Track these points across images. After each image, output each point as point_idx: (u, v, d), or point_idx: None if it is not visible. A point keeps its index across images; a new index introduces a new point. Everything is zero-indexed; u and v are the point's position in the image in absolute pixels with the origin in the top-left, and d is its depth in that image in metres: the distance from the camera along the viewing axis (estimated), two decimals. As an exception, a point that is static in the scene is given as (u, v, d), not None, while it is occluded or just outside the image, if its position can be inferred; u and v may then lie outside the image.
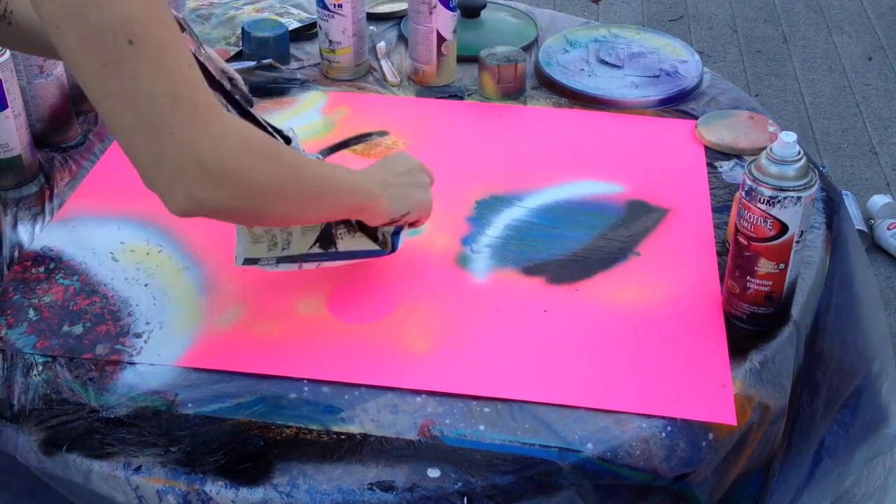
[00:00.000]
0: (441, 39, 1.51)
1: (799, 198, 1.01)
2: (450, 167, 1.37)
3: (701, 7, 3.77)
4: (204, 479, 0.93)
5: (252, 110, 1.09)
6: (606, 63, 1.59)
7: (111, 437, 0.97)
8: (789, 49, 3.50)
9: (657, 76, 1.55)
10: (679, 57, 1.60)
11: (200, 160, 0.84)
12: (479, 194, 1.31)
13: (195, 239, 1.22)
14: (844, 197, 2.58)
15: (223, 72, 1.08)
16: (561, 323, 1.11)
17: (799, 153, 1.01)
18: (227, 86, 1.07)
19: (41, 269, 1.18)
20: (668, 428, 0.98)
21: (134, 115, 0.82)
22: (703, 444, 0.98)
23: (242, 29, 1.61)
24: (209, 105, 0.85)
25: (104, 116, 0.84)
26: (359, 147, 1.41)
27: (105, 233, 1.24)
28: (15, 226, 1.25)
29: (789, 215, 1.01)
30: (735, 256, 1.07)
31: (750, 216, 1.03)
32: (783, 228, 1.02)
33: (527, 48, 1.63)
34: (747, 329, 1.09)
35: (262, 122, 1.09)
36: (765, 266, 1.05)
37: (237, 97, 1.08)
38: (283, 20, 1.67)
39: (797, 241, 1.03)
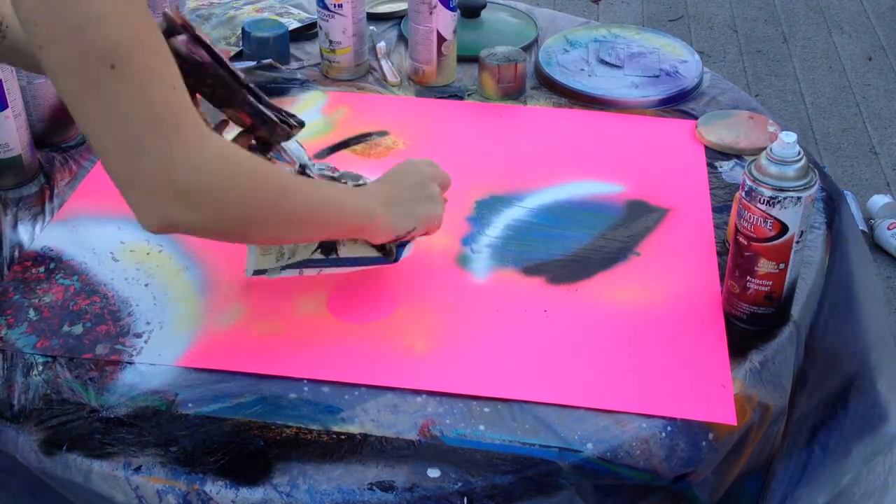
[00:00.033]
0: (441, 39, 1.51)
1: (799, 198, 1.01)
2: (450, 167, 1.36)
3: (701, 7, 3.77)
4: (204, 479, 0.93)
5: (268, 102, 1.09)
6: (606, 63, 1.59)
7: (111, 437, 0.97)
8: (789, 49, 3.50)
9: (657, 76, 1.55)
10: (679, 57, 1.60)
11: (175, 181, 0.85)
12: (479, 194, 1.31)
13: (195, 239, 1.22)
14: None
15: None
16: (561, 323, 1.11)
17: (799, 153, 1.01)
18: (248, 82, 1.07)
19: (41, 269, 1.18)
20: (668, 428, 0.98)
21: (112, 136, 0.83)
22: (703, 444, 0.98)
23: (242, 29, 1.61)
24: (191, 126, 0.85)
25: (83, 132, 0.85)
26: (359, 147, 1.41)
27: (105, 233, 1.24)
28: (15, 226, 1.25)
29: (789, 215, 1.01)
30: (735, 256, 1.07)
31: (750, 216, 1.03)
32: (783, 228, 1.02)
33: (527, 48, 1.63)
34: (747, 329, 1.09)
35: (276, 111, 1.08)
36: (765, 266, 1.05)
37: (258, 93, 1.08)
38: (283, 20, 1.67)
39: (797, 241, 1.03)
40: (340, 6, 1.51)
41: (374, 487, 0.92)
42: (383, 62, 1.61)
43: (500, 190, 1.32)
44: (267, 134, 1.08)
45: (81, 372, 1.04)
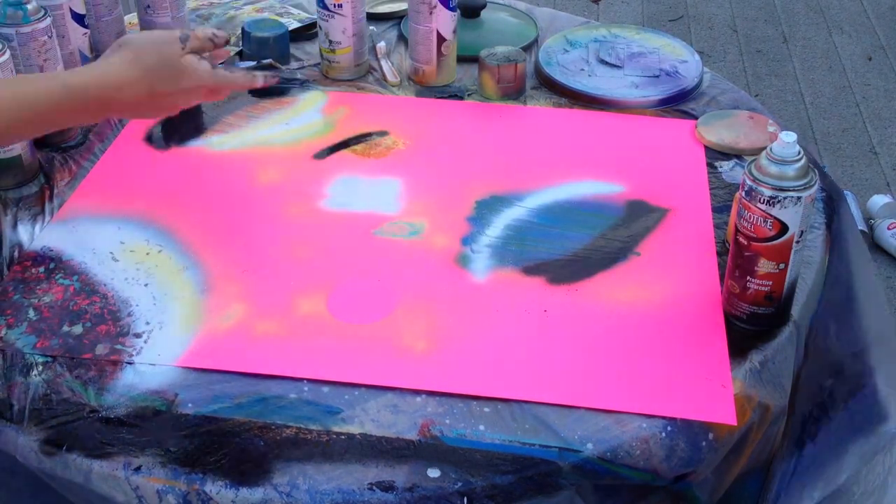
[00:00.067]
0: (441, 39, 1.51)
1: (799, 198, 1.01)
2: (450, 167, 1.37)
3: (701, 7, 3.77)
4: (204, 479, 0.93)
5: None
6: (606, 63, 1.59)
7: (111, 437, 0.97)
8: (789, 49, 3.50)
9: (657, 76, 1.55)
10: (679, 57, 1.60)
11: None
12: (479, 194, 1.31)
13: (195, 239, 1.23)
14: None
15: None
16: (561, 323, 1.11)
17: (799, 153, 1.01)
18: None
19: (41, 269, 1.18)
20: (668, 428, 0.98)
21: None
22: (703, 444, 0.98)
23: (242, 29, 1.61)
24: None
25: None
26: (359, 147, 1.41)
27: (105, 233, 1.24)
28: (15, 226, 1.25)
29: (789, 215, 1.01)
30: (735, 256, 1.07)
31: (750, 216, 1.03)
32: (783, 228, 1.02)
33: (527, 48, 1.63)
34: (747, 329, 1.09)
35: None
36: (765, 266, 1.05)
37: None
38: (283, 20, 1.67)
39: (797, 241, 1.03)
40: (340, 6, 1.51)
41: (374, 487, 0.92)
42: (383, 62, 1.61)
43: (500, 190, 1.32)
44: None
45: (81, 372, 1.04)
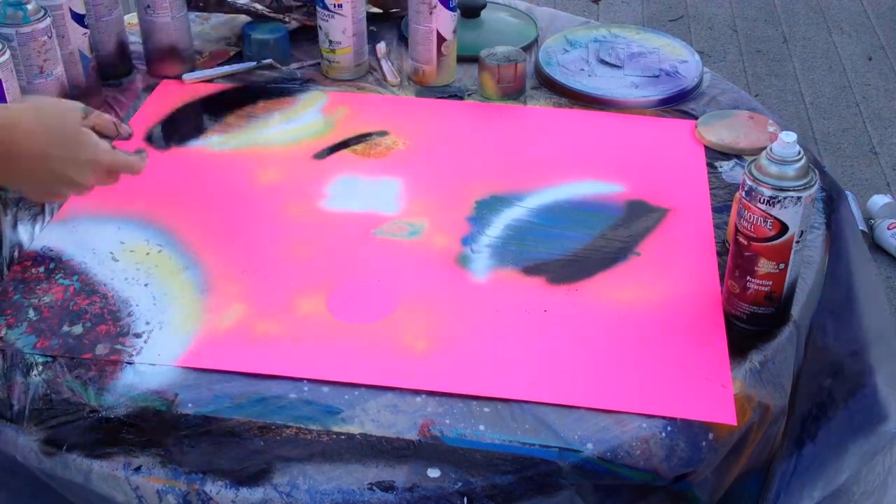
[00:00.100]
0: (441, 39, 1.51)
1: (799, 198, 1.01)
2: (450, 167, 1.37)
3: (701, 7, 3.77)
4: (204, 479, 0.93)
5: None
6: (606, 63, 1.59)
7: (111, 437, 0.97)
8: (789, 49, 3.50)
9: (657, 76, 1.55)
10: (679, 57, 1.60)
11: None
12: (479, 194, 1.31)
13: (195, 239, 1.23)
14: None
15: None
16: (561, 323, 1.11)
17: (799, 153, 1.01)
18: None
19: (41, 269, 1.18)
20: (668, 428, 0.98)
21: None
22: (703, 444, 0.98)
23: (243, 30, 1.61)
24: None
25: None
26: (359, 147, 1.41)
27: (105, 233, 1.24)
28: (15, 226, 1.25)
29: (789, 215, 1.01)
30: (735, 256, 1.07)
31: (750, 216, 1.03)
32: (783, 228, 1.02)
33: (527, 48, 1.63)
34: (747, 329, 1.09)
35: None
36: (765, 266, 1.05)
37: None
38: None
39: (797, 241, 1.03)
40: (340, 6, 1.51)
41: (374, 487, 0.92)
42: (383, 62, 1.61)
43: (500, 190, 1.32)
44: None
45: (81, 372, 1.04)
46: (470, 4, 1.69)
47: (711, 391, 1.02)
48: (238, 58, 1.61)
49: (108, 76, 1.54)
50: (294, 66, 1.60)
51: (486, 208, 1.28)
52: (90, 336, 1.08)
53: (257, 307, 1.12)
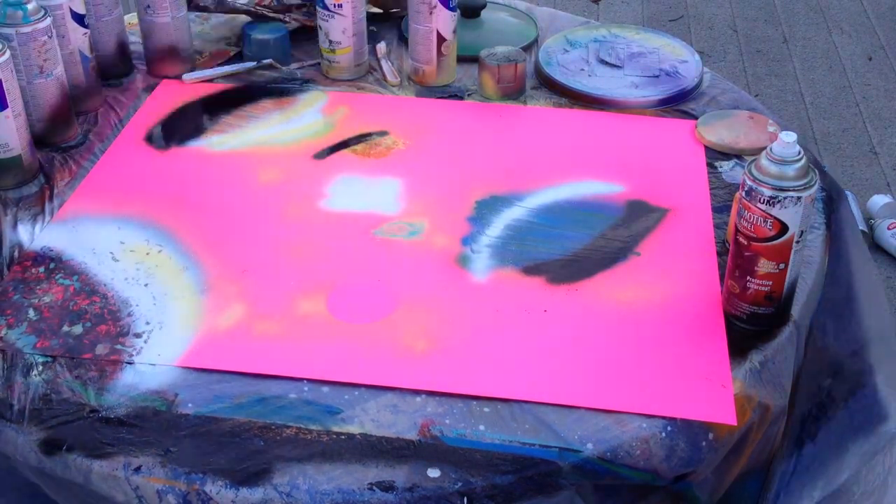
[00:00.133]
0: (441, 39, 1.51)
1: (799, 198, 1.01)
2: (450, 167, 1.37)
3: (701, 7, 3.77)
4: (204, 479, 0.93)
5: None
6: (606, 63, 1.59)
7: (111, 437, 0.97)
8: (789, 49, 3.50)
9: (657, 76, 1.55)
10: (679, 57, 1.60)
11: None
12: (479, 194, 1.31)
13: (195, 239, 1.23)
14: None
15: None
16: (561, 323, 1.11)
17: (799, 153, 1.01)
18: None
19: (41, 269, 1.18)
20: (668, 428, 0.98)
21: None
22: (703, 444, 0.98)
23: (243, 30, 1.61)
24: None
25: None
26: (359, 147, 1.41)
27: (105, 233, 1.24)
28: (15, 226, 1.25)
29: (789, 215, 1.01)
30: (735, 256, 1.07)
31: (750, 216, 1.03)
32: (783, 228, 1.02)
33: (527, 48, 1.63)
34: (747, 329, 1.09)
35: None
36: (765, 266, 1.05)
37: None
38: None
39: (797, 241, 1.03)
40: (340, 6, 1.51)
41: (374, 487, 0.92)
42: (383, 62, 1.61)
43: (500, 190, 1.32)
44: None
45: (81, 372, 1.04)
46: (470, 4, 1.69)
47: (711, 391, 1.02)
48: (238, 58, 1.61)
49: (108, 76, 1.54)
50: (294, 66, 1.60)
51: (486, 208, 1.28)
52: (90, 336, 1.08)
53: (257, 307, 1.12)
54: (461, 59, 1.57)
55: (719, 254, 1.20)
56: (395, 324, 1.10)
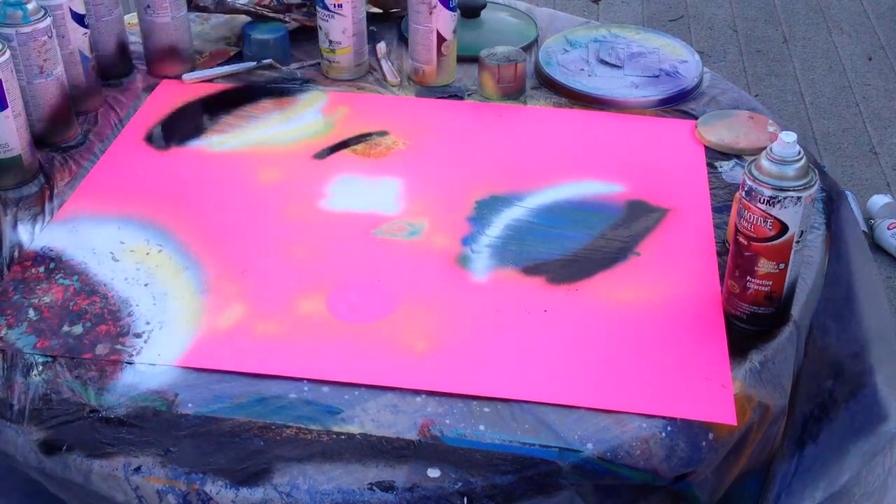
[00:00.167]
0: (441, 39, 1.51)
1: (799, 198, 1.01)
2: (450, 167, 1.37)
3: (701, 7, 3.77)
4: (204, 479, 0.93)
5: None
6: (606, 63, 1.59)
7: (111, 437, 0.97)
8: (789, 49, 3.50)
9: (657, 76, 1.55)
10: (679, 57, 1.60)
11: None
12: (479, 194, 1.31)
13: (195, 239, 1.23)
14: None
15: None
16: (561, 323, 1.11)
17: (799, 153, 1.01)
18: None
19: (41, 269, 1.18)
20: (668, 428, 0.98)
21: None
22: (703, 444, 0.98)
23: (243, 30, 1.61)
24: None
25: None
26: (359, 147, 1.41)
27: (105, 233, 1.24)
28: (15, 226, 1.25)
29: (789, 215, 1.01)
30: (735, 256, 1.07)
31: (750, 216, 1.03)
32: (783, 228, 1.02)
33: (527, 48, 1.63)
34: (747, 329, 1.09)
35: None
36: (765, 266, 1.05)
37: None
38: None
39: (797, 241, 1.03)
40: (340, 6, 1.51)
41: (374, 487, 0.92)
42: (383, 62, 1.61)
43: (500, 190, 1.32)
44: None
45: (81, 372, 1.04)
46: (470, 4, 1.69)
47: (711, 391, 1.02)
48: (238, 58, 1.61)
49: (108, 76, 1.54)
50: (294, 66, 1.60)
51: (486, 208, 1.28)
52: (90, 336, 1.08)
53: (257, 307, 1.12)
54: (461, 59, 1.57)
55: (719, 254, 1.20)
56: (395, 324, 1.10)
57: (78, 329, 1.09)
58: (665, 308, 1.13)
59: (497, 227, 1.25)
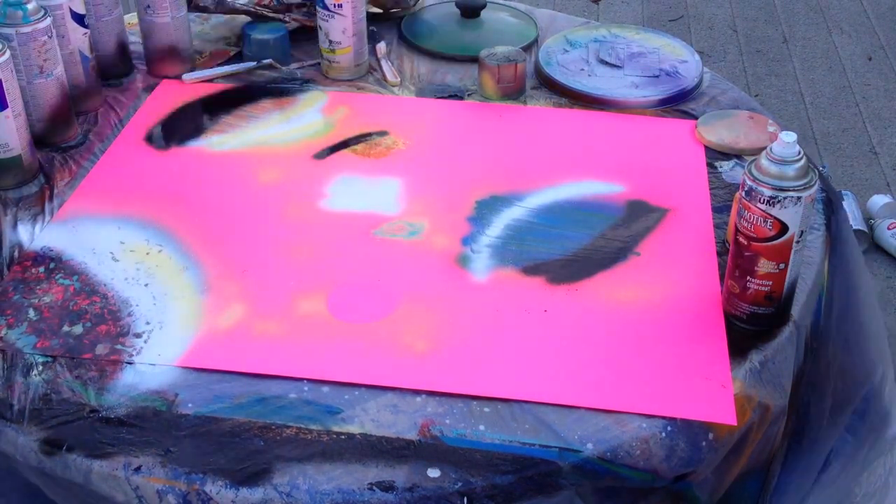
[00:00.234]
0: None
1: (799, 198, 1.01)
2: (450, 167, 1.37)
3: (701, 7, 3.77)
4: (204, 479, 0.93)
5: None
6: (606, 63, 1.59)
7: (111, 437, 0.97)
8: (789, 49, 3.50)
9: (657, 76, 1.55)
10: (679, 57, 1.60)
11: None
12: (479, 194, 1.31)
13: (195, 239, 1.23)
14: (844, 197, 2.58)
15: None
16: (561, 323, 1.11)
17: (799, 153, 1.01)
18: None
19: (41, 269, 1.18)
20: (668, 428, 0.98)
21: None
22: (703, 444, 0.98)
23: (243, 30, 1.61)
24: None
25: None
26: (359, 147, 1.41)
27: (105, 233, 1.24)
28: (15, 226, 1.25)
29: (789, 215, 1.01)
30: (735, 256, 1.07)
31: (750, 216, 1.03)
32: (783, 228, 1.02)
33: (527, 48, 1.63)
34: (747, 329, 1.09)
35: None
36: (765, 266, 1.05)
37: None
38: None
39: (797, 241, 1.03)
40: (340, 6, 1.51)
41: (374, 487, 0.92)
42: (383, 62, 1.61)
43: (500, 190, 1.32)
44: None
45: (81, 372, 1.04)
46: (470, 4, 1.69)
47: (711, 391, 1.02)
48: (238, 58, 1.61)
49: (108, 76, 1.54)
50: (294, 66, 1.60)
51: (486, 208, 1.28)
52: (90, 336, 1.08)
53: (257, 307, 1.12)
54: (461, 59, 1.57)
55: (719, 254, 1.20)
56: (395, 324, 1.10)
57: (78, 329, 1.09)
58: (665, 308, 1.13)
59: (497, 227, 1.25)
